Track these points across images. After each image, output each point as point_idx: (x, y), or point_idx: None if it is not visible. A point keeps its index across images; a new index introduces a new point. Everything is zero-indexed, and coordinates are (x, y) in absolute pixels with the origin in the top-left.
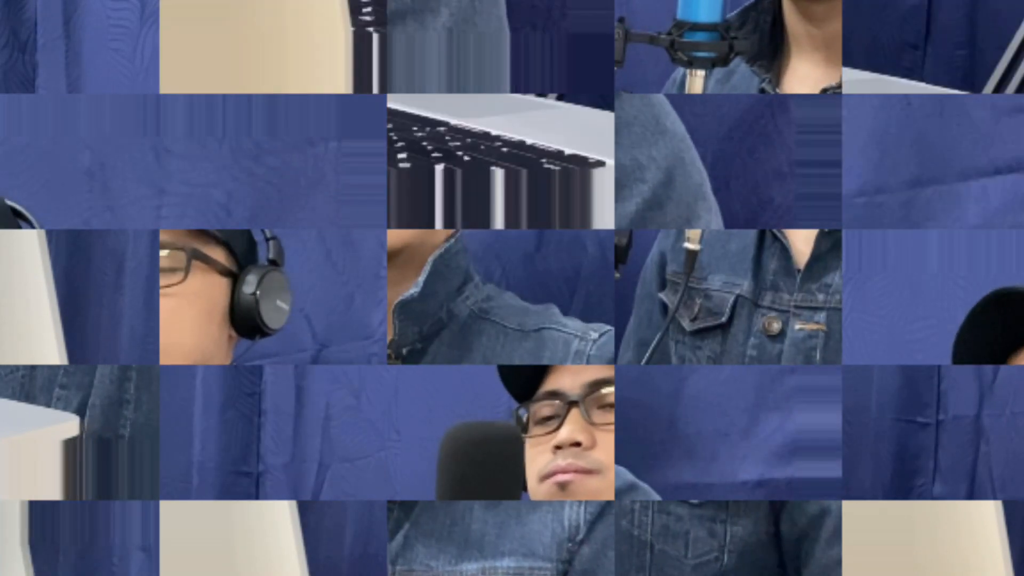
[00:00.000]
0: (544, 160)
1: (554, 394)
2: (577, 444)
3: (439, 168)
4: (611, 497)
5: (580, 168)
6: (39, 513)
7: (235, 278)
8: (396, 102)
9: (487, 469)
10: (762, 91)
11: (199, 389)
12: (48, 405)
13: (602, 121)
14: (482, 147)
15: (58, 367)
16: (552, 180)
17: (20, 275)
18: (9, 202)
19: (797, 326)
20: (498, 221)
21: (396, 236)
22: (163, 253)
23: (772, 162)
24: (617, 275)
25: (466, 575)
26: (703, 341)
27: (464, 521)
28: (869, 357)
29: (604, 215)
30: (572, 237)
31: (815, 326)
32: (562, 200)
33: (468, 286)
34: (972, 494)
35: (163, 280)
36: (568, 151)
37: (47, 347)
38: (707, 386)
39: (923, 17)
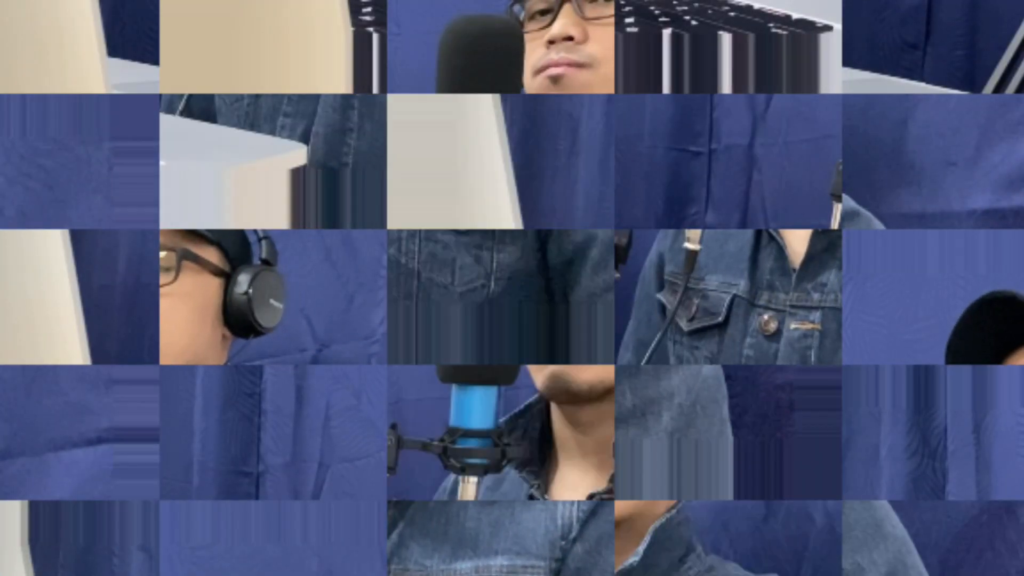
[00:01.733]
0: (772, 24)
1: None
2: (570, 38)
3: (666, 32)
4: (610, 90)
5: (807, 32)
6: (39, 513)
7: (228, 278)
8: None
9: (487, 61)
10: (531, 497)
11: (199, 389)
12: (272, 133)
13: None
14: (709, 11)
15: (282, 96)
16: (779, 44)
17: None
18: None
19: (792, 325)
20: (725, 86)
21: (622, 507)
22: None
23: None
24: (617, 275)
25: (460, 574)
26: (700, 341)
27: (459, 520)
28: (869, 357)
29: (831, 80)
30: (800, 508)
31: (810, 325)
32: (789, 65)
33: (690, 556)
34: (744, 223)
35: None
36: (795, 15)
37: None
38: (935, 115)
39: (923, 17)
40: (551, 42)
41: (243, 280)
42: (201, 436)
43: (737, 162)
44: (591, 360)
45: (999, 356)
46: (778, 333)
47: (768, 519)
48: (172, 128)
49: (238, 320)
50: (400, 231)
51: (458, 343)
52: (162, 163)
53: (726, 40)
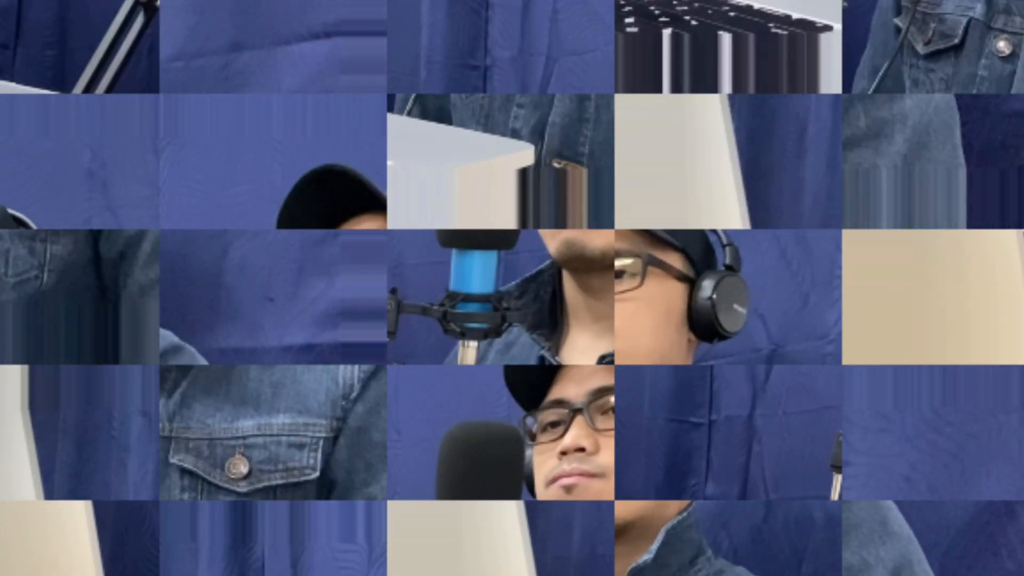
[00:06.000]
0: (772, 24)
1: (560, 402)
2: (581, 449)
3: (666, 32)
4: (612, 498)
5: (807, 32)
6: (39, 377)
7: (692, 283)
8: None
9: (487, 469)
10: (542, 359)
11: None
12: (506, 124)
13: None
14: (709, 11)
15: (514, 95)
16: (780, 44)
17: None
18: (10, 210)
19: None
20: (725, 86)
21: (627, 508)
22: (620, 259)
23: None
24: None
25: (242, 432)
26: (936, 63)
27: (241, 380)
28: None
29: (831, 80)
30: (800, 508)
31: None
32: (789, 65)
33: (700, 559)
34: (745, 494)
35: (620, 285)
36: (796, 15)
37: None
38: (252, 250)
39: (14, 17)
40: (563, 453)
41: (707, 285)
42: (428, 30)
43: (737, 433)
44: None
45: (334, 224)
46: (1013, 55)
47: (768, 519)
48: (399, 128)
49: (702, 325)
50: None
51: (8, 335)
52: (389, 163)
53: (726, 40)
